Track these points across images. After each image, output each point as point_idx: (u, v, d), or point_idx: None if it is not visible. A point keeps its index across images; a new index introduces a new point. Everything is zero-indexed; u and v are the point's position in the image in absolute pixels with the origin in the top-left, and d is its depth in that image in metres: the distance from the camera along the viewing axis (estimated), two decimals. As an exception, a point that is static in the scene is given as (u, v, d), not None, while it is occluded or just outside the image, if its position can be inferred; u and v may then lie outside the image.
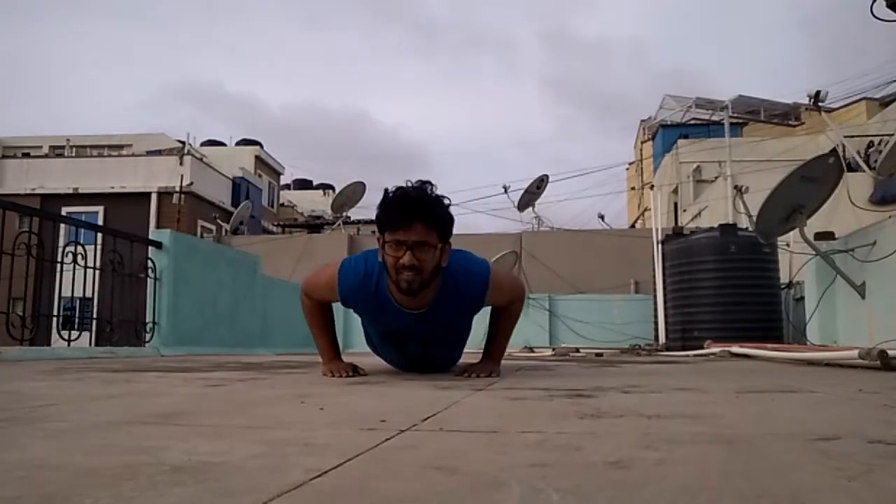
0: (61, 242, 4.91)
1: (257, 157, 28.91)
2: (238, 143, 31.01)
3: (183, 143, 24.89)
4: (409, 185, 2.23)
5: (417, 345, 2.53)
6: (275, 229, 24.21)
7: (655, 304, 8.60)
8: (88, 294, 4.82)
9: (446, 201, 2.25)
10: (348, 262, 2.40)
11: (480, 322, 2.64)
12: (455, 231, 2.36)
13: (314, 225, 22.22)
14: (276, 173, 31.10)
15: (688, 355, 5.72)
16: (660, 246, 8.50)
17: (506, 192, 15.37)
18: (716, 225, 8.15)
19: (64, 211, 18.12)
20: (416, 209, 2.14)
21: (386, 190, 2.23)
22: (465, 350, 2.93)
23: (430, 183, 2.25)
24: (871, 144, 12.82)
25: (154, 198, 21.55)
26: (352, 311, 2.51)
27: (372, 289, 2.30)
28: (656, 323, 8.51)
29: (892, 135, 6.48)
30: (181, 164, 21.71)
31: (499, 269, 2.53)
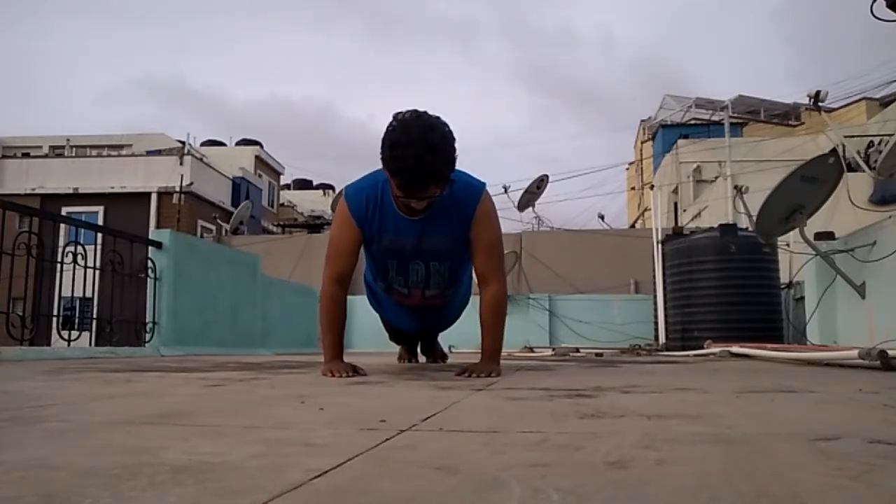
0: (61, 242, 4.91)
1: (257, 157, 28.92)
2: (238, 143, 31.01)
3: (183, 143, 24.90)
4: (418, 119, 2.22)
5: (420, 265, 2.60)
6: (275, 229, 24.20)
7: (655, 304, 8.60)
8: (88, 294, 4.82)
9: (452, 136, 2.27)
10: (351, 184, 2.56)
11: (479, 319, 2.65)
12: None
13: (314, 225, 22.20)
14: (276, 173, 31.11)
15: (688, 355, 5.71)
16: (660, 246, 8.50)
17: (506, 192, 15.38)
18: (716, 225, 8.15)
19: (64, 211, 18.11)
20: (430, 175, 2.20)
21: (394, 126, 2.22)
22: (465, 350, 2.93)
23: (438, 119, 2.27)
24: (871, 144, 12.80)
25: (154, 198, 21.55)
26: (351, 307, 2.56)
27: (379, 196, 2.41)
28: (656, 323, 8.51)
29: (892, 135, 6.48)
30: (181, 164, 21.72)
31: (494, 204, 2.63)
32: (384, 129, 2.26)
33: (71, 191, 21.53)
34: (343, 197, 2.54)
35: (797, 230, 5.11)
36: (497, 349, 2.62)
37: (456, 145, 2.28)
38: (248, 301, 7.08)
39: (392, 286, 2.72)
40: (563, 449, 0.94)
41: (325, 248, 2.60)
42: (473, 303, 2.77)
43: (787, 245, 6.78)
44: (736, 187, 8.01)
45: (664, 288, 8.23)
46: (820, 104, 5.84)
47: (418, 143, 2.16)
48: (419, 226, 2.45)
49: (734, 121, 18.20)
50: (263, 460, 0.86)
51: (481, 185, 2.51)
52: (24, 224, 5.26)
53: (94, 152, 25.49)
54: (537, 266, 12.86)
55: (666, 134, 20.30)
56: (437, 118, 2.28)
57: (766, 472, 0.79)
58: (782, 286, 7.52)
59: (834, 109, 16.06)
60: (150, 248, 5.57)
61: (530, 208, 15.30)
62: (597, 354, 5.70)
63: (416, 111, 2.27)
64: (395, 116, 2.26)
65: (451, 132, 2.28)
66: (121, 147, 26.96)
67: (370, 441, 0.98)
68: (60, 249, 4.74)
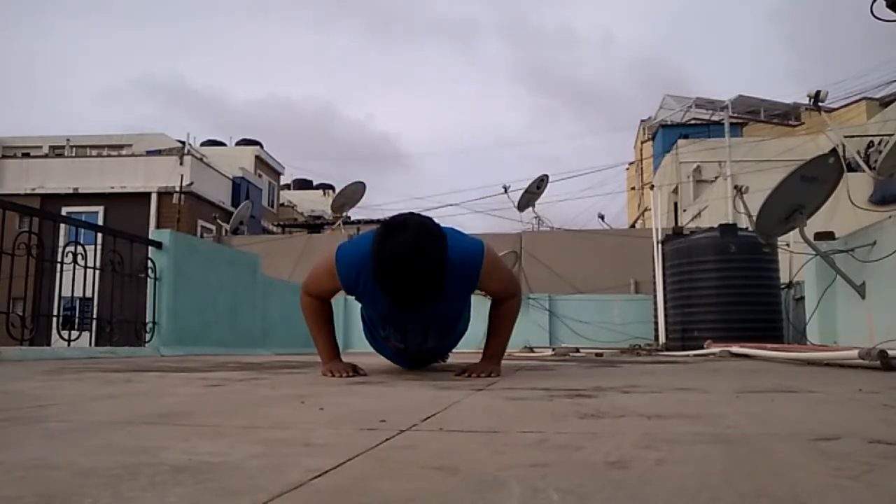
0: (61, 242, 4.91)
1: (257, 157, 28.91)
2: (238, 143, 31.01)
3: (183, 143, 24.89)
4: (406, 235, 2.05)
5: (417, 325, 2.51)
6: (275, 229, 24.20)
7: (655, 304, 8.60)
8: (88, 294, 4.82)
9: (442, 248, 2.10)
10: (345, 246, 2.40)
11: (480, 322, 2.64)
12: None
13: (314, 225, 22.21)
14: (276, 173, 31.11)
15: (688, 355, 5.71)
16: (660, 246, 8.50)
17: (506, 192, 15.39)
18: (716, 225, 8.15)
19: (64, 211, 18.10)
20: (421, 302, 2.13)
21: (383, 243, 2.06)
22: (465, 350, 2.93)
23: (428, 232, 2.11)
24: (871, 144, 12.81)
25: (154, 198, 21.54)
26: (351, 308, 2.50)
27: (370, 272, 2.24)
28: (656, 323, 8.51)
29: (892, 135, 6.48)
30: (181, 164, 21.71)
31: (495, 253, 2.50)
32: (375, 236, 2.11)
33: (71, 191, 21.52)
34: (335, 256, 2.37)
35: (797, 230, 5.11)
36: (500, 352, 2.62)
37: (446, 253, 2.11)
38: (248, 301, 7.08)
39: (389, 339, 2.63)
40: (563, 449, 0.94)
41: (324, 248, 2.59)
42: (476, 309, 2.74)
43: (787, 245, 6.78)
44: (736, 187, 8.01)
45: (664, 288, 8.23)
46: (820, 104, 5.84)
47: (407, 269, 2.04)
48: None
49: (734, 121, 18.20)
50: (263, 460, 0.86)
51: (479, 249, 2.35)
52: (24, 224, 5.26)
53: (94, 152, 25.48)
54: (537, 266, 12.86)
55: (666, 134, 20.29)
56: (427, 232, 2.10)
57: (766, 472, 0.79)
58: (782, 286, 7.52)
59: (834, 109, 16.05)
60: (150, 248, 5.57)
61: (530, 208, 15.30)
62: (597, 354, 5.71)
63: (404, 226, 2.09)
64: (386, 226, 2.11)
65: (441, 242, 2.10)
66: (121, 147, 26.95)
67: (370, 441, 0.98)
68: (60, 249, 4.74)
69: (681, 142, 17.97)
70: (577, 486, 0.71)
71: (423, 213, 2.25)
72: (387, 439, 1.01)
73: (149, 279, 5.47)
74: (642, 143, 25.40)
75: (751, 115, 20.95)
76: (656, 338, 8.47)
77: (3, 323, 4.27)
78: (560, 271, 12.59)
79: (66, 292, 4.82)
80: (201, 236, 18.41)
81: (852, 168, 8.16)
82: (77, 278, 4.71)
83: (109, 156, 24.55)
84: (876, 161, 6.21)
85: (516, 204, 15.15)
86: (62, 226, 5.65)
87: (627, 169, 27.86)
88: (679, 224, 13.87)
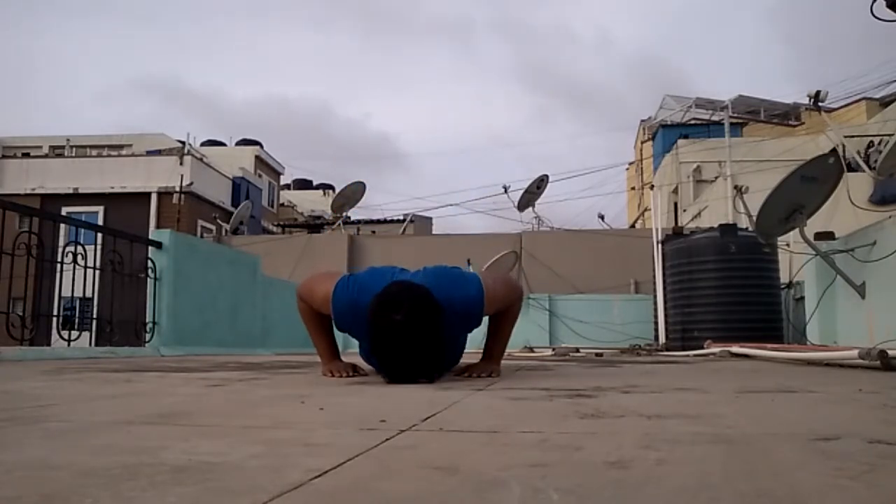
0: (61, 242, 4.91)
1: (257, 157, 28.92)
2: (238, 143, 31.02)
3: (183, 143, 24.90)
4: (401, 308, 1.98)
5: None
6: (275, 229, 24.21)
7: (655, 304, 8.60)
8: (88, 294, 4.82)
9: (440, 323, 2.04)
10: (344, 286, 2.27)
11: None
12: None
13: (314, 225, 22.22)
14: (276, 173, 31.11)
15: (688, 355, 5.72)
16: (660, 246, 8.50)
17: (506, 192, 15.40)
18: (716, 225, 8.15)
19: (64, 211, 18.11)
20: (418, 377, 2.10)
21: (380, 317, 1.99)
22: (465, 350, 2.93)
23: (426, 309, 2.01)
24: (871, 144, 12.81)
25: (154, 198, 21.54)
26: None
27: (364, 324, 2.13)
28: (656, 323, 8.51)
29: (892, 135, 6.48)
30: (181, 164, 21.72)
31: (489, 278, 2.45)
32: (369, 310, 2.02)
33: (71, 191, 21.52)
34: (333, 292, 2.27)
35: (797, 230, 5.11)
36: (501, 352, 2.63)
37: (442, 330, 2.05)
38: (248, 301, 7.08)
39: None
40: (563, 449, 0.94)
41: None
42: None
43: (787, 245, 6.78)
44: (736, 187, 8.01)
45: (664, 288, 8.23)
46: (820, 104, 5.85)
47: (404, 347, 2.01)
48: None
49: (734, 121, 18.21)
50: (263, 460, 0.86)
51: (479, 292, 2.27)
52: (24, 224, 5.26)
53: (94, 152, 25.49)
54: (537, 266, 12.86)
55: (666, 134, 20.30)
56: (421, 310, 2.00)
57: (766, 472, 0.79)
58: (782, 286, 7.52)
59: (834, 109, 16.07)
60: (150, 248, 5.57)
61: (530, 208, 15.31)
62: (597, 354, 5.71)
63: (397, 304, 1.99)
64: (379, 303, 2.01)
65: (435, 319, 2.02)
66: (121, 147, 26.95)
67: (370, 441, 0.98)
68: (60, 249, 4.75)
69: (681, 142, 17.98)
70: (577, 486, 0.71)
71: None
72: (387, 439, 1.01)
73: (149, 279, 5.47)
74: (642, 143, 25.41)
75: (751, 115, 20.96)
76: (656, 338, 8.47)
77: (3, 323, 4.27)
78: (560, 271, 12.60)
79: (66, 292, 4.82)
80: (201, 236, 18.41)
81: (852, 168, 8.16)
82: (77, 278, 4.71)
83: (109, 156, 24.56)
84: (876, 161, 6.22)
85: (516, 204, 15.16)
86: (62, 226, 5.65)
87: (627, 169, 27.86)
88: (679, 224, 13.87)
